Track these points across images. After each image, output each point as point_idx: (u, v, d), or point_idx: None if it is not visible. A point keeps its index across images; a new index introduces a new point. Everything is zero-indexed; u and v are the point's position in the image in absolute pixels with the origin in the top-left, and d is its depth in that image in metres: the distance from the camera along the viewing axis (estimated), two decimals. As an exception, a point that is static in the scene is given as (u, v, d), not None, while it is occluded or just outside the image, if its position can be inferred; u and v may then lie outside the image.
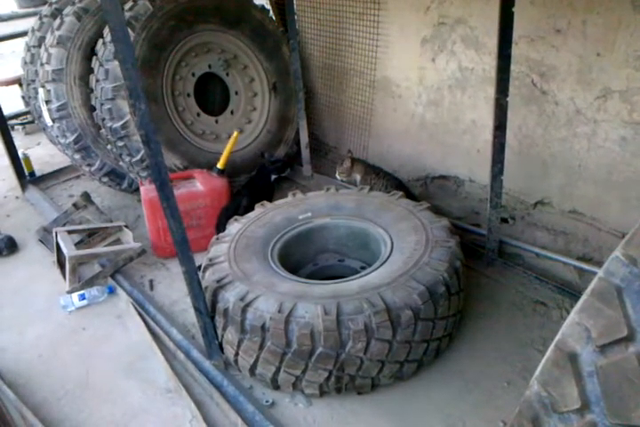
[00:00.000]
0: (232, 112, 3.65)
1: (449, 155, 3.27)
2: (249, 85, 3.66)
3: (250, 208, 2.79)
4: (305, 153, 3.74)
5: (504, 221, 2.95)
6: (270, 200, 2.83)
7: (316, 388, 2.09)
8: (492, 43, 2.50)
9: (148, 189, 2.99)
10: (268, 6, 3.89)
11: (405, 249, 2.30)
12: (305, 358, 2.00)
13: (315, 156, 3.85)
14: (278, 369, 2.07)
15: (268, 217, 2.62)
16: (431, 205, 2.63)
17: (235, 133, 3.30)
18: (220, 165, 3.21)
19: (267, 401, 2.13)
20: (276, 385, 2.15)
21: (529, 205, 2.93)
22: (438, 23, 2.99)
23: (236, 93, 3.65)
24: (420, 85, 3.26)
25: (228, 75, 3.59)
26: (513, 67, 2.41)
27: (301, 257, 2.60)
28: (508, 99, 2.40)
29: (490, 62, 2.78)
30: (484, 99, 2.92)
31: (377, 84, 3.52)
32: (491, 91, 2.52)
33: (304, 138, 3.69)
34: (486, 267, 2.78)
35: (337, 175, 3.28)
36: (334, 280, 2.25)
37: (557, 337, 0.93)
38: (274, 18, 3.82)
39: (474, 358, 2.27)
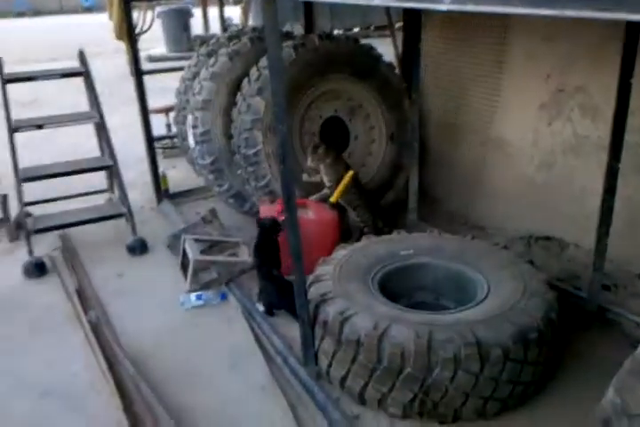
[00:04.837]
0: (349, 155, 3.95)
1: (556, 217, 3.31)
2: (369, 132, 3.96)
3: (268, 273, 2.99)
4: (412, 200, 3.92)
5: (606, 288, 2.93)
6: (279, 261, 3.03)
7: (400, 408, 2.20)
8: (609, 111, 2.60)
9: (265, 209, 3.33)
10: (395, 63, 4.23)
11: (502, 295, 2.40)
12: (393, 377, 2.15)
13: (420, 205, 4.02)
14: (367, 383, 2.22)
15: (371, 248, 2.82)
16: (533, 264, 2.69)
17: (350, 173, 3.58)
18: (332, 199, 3.49)
19: (351, 412, 2.27)
20: (362, 400, 2.29)
21: (633, 275, 2.91)
22: (557, 90, 3.14)
23: (356, 138, 3.96)
24: (533, 147, 3.38)
25: (350, 120, 3.91)
26: (627, 137, 2.51)
27: (399, 290, 2.74)
28: (619, 165, 2.50)
29: (605, 130, 2.87)
30: (596, 165, 2.97)
31: (490, 142, 3.68)
32: (604, 158, 2.59)
33: (413, 186, 3.88)
34: (584, 329, 2.77)
35: (308, 162, 3.46)
36: (429, 311, 2.40)
37: (638, 351, 1.07)
38: (398, 73, 4.15)
39: (559, 413, 2.27)
